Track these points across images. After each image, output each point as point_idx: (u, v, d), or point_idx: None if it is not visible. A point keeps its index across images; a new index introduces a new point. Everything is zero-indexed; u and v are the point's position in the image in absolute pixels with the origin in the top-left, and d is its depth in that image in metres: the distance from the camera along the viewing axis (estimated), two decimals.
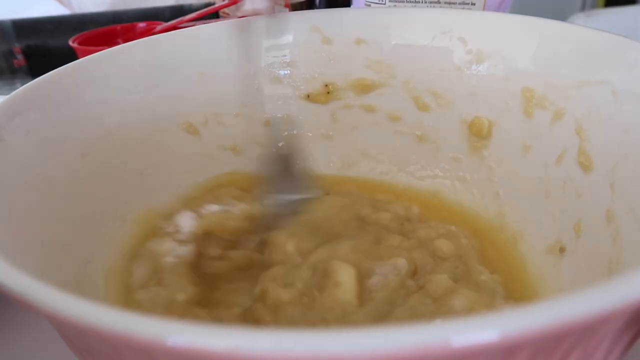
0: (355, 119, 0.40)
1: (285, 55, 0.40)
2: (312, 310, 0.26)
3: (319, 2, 0.88)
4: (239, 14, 0.76)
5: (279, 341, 0.11)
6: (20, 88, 0.28)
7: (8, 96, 0.27)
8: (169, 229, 0.32)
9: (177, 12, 0.84)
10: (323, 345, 0.11)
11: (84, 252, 0.27)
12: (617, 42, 0.28)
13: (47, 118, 0.28)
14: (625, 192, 0.25)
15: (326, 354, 0.11)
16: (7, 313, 0.32)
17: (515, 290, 0.29)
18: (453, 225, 0.34)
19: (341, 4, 0.67)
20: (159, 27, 0.69)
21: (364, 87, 0.39)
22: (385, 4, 0.45)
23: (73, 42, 0.64)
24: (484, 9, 0.43)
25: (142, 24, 0.73)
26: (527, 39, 0.33)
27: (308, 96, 0.40)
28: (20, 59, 0.83)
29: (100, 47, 0.38)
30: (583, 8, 1.35)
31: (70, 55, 0.48)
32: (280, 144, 0.32)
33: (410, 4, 0.45)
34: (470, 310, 0.25)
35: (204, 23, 0.46)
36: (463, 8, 0.43)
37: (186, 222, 0.32)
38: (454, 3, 0.44)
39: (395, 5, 0.45)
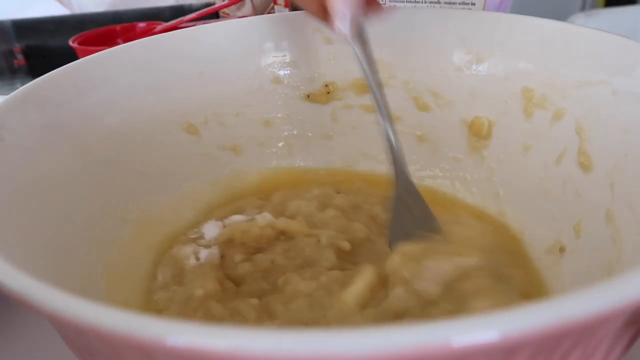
0: (355, 119, 0.40)
1: (285, 55, 0.40)
2: (318, 307, 0.26)
3: None
4: (239, 14, 0.76)
5: (279, 341, 0.11)
6: (20, 88, 0.28)
7: (8, 96, 0.27)
8: (194, 236, 0.33)
9: (177, 12, 0.84)
10: (323, 345, 0.11)
11: (84, 251, 0.27)
12: (617, 42, 0.28)
13: (47, 118, 0.28)
14: (625, 192, 0.25)
15: (326, 354, 0.11)
16: (7, 313, 0.32)
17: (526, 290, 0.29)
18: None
19: None
20: (159, 27, 0.69)
21: (364, 87, 0.39)
22: (385, 4, 0.45)
23: (73, 42, 0.64)
24: (484, 9, 0.43)
25: (142, 24, 0.73)
26: (527, 39, 0.33)
27: (308, 96, 0.40)
28: (20, 59, 0.83)
29: (100, 47, 0.38)
30: (583, 8, 1.35)
31: (70, 55, 0.48)
32: None
33: (410, 4, 0.45)
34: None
35: (204, 23, 0.46)
36: (463, 8, 0.43)
37: (211, 230, 0.33)
38: (454, 3, 0.44)
39: (395, 5, 0.45)
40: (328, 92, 0.40)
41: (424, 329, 0.11)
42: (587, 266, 0.27)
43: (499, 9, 0.44)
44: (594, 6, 1.38)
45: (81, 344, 0.17)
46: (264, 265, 0.30)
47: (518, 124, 0.33)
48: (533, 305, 0.11)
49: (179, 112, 0.36)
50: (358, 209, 0.35)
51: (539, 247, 0.31)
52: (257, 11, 0.75)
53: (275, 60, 0.39)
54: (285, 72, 0.40)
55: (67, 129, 0.29)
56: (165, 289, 0.29)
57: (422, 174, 0.39)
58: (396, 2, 0.45)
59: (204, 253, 0.31)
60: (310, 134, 0.41)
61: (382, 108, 0.31)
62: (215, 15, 0.75)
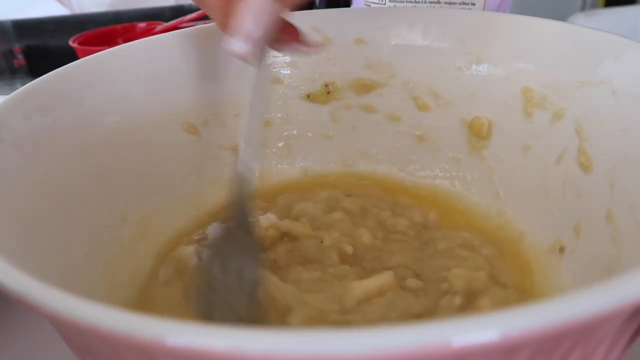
0: (355, 119, 0.40)
1: (285, 55, 0.40)
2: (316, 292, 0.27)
3: (319, 2, 0.88)
4: None
5: (279, 341, 0.11)
6: (20, 88, 0.28)
7: (8, 96, 0.26)
8: (197, 237, 0.33)
9: (177, 12, 0.84)
10: (323, 345, 0.11)
11: (84, 252, 0.27)
12: (617, 42, 0.28)
13: (47, 118, 0.28)
14: (625, 192, 0.25)
15: (326, 354, 0.11)
16: (7, 313, 0.32)
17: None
18: (467, 232, 0.33)
19: (341, 4, 0.67)
20: (159, 27, 0.69)
21: (364, 87, 0.39)
22: (385, 4, 0.45)
23: (73, 42, 0.64)
24: (484, 9, 0.43)
25: (142, 24, 0.73)
26: (527, 39, 0.33)
27: (308, 96, 0.40)
28: (20, 59, 0.83)
29: (100, 47, 0.38)
30: (583, 8, 1.35)
31: (70, 55, 0.48)
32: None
33: (410, 4, 0.45)
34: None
35: (204, 23, 0.46)
36: (463, 8, 0.43)
37: (215, 231, 0.33)
38: (454, 3, 0.44)
39: (395, 5, 0.45)
40: (328, 92, 0.40)
41: (424, 329, 0.11)
42: (587, 266, 0.27)
43: (499, 9, 0.44)
44: (594, 6, 1.38)
45: (81, 344, 0.17)
46: (267, 264, 0.30)
47: (518, 124, 0.33)
48: (533, 305, 0.11)
49: (179, 112, 0.36)
50: (366, 214, 0.35)
51: (539, 247, 0.31)
52: None
53: (275, 60, 0.39)
54: (285, 72, 0.40)
55: (67, 129, 0.29)
56: (165, 285, 0.30)
57: (422, 174, 0.39)
58: (396, 2, 0.45)
59: (206, 253, 0.31)
60: (310, 134, 0.41)
61: (251, 138, 0.28)
62: None
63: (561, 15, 0.54)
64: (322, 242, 0.31)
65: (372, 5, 0.46)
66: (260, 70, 0.29)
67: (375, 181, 0.40)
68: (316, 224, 0.33)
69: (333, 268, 0.29)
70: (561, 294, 0.12)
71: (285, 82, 0.40)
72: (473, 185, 0.37)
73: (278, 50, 0.30)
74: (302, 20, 0.39)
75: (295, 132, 0.41)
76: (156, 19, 0.77)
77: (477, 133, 0.36)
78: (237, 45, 0.25)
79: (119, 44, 0.43)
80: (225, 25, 0.25)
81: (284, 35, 0.28)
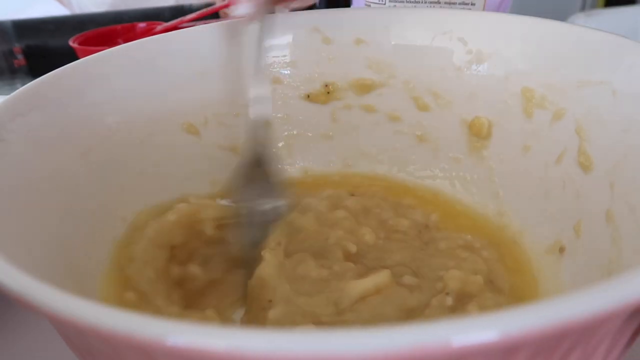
0: (355, 119, 0.40)
1: (285, 55, 0.40)
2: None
3: (319, 2, 0.88)
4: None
5: (279, 341, 0.11)
6: (21, 88, 0.28)
7: (8, 96, 0.27)
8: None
9: (177, 12, 0.84)
10: (323, 345, 0.11)
11: (84, 252, 0.27)
12: (617, 42, 0.28)
13: (47, 118, 0.28)
14: (625, 192, 0.25)
15: (326, 354, 0.11)
16: (7, 313, 0.32)
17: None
18: (469, 234, 0.33)
19: (341, 4, 0.67)
20: (159, 27, 0.69)
21: (364, 87, 0.39)
22: (385, 4, 0.45)
23: (73, 42, 0.64)
24: (483, 9, 0.43)
25: (142, 24, 0.73)
26: (527, 39, 0.33)
27: (308, 96, 0.40)
28: (20, 59, 0.83)
29: (100, 47, 0.38)
30: (583, 8, 1.35)
31: (70, 55, 0.48)
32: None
33: (410, 4, 0.45)
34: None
35: (204, 23, 0.46)
36: (463, 8, 0.43)
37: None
38: (454, 3, 0.44)
39: (395, 5, 0.45)
40: (328, 92, 0.40)
41: (423, 329, 0.11)
42: (587, 266, 0.27)
43: (499, 9, 0.44)
44: (594, 6, 1.38)
45: (81, 344, 0.17)
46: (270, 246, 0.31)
47: (518, 124, 0.33)
48: (533, 305, 0.11)
49: (179, 112, 0.36)
50: (368, 213, 0.35)
51: (539, 247, 0.31)
52: None
53: (275, 60, 0.39)
54: (285, 72, 0.40)
55: (67, 129, 0.29)
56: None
57: (422, 174, 0.39)
58: (396, 2, 0.45)
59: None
60: (310, 134, 0.41)
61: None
62: (215, 16, 0.74)
63: (561, 15, 0.54)
64: (327, 239, 0.31)
65: (372, 5, 0.46)
66: (262, 24, 0.31)
67: (376, 181, 0.40)
68: (321, 220, 0.33)
69: (338, 265, 0.29)
70: (561, 294, 0.12)
71: (285, 82, 0.40)
72: (473, 185, 0.37)
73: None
74: (302, 20, 0.39)
75: (295, 132, 0.41)
76: (156, 19, 0.77)
77: (477, 133, 0.36)
78: (244, 8, 0.28)
79: (119, 44, 0.43)
80: None
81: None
